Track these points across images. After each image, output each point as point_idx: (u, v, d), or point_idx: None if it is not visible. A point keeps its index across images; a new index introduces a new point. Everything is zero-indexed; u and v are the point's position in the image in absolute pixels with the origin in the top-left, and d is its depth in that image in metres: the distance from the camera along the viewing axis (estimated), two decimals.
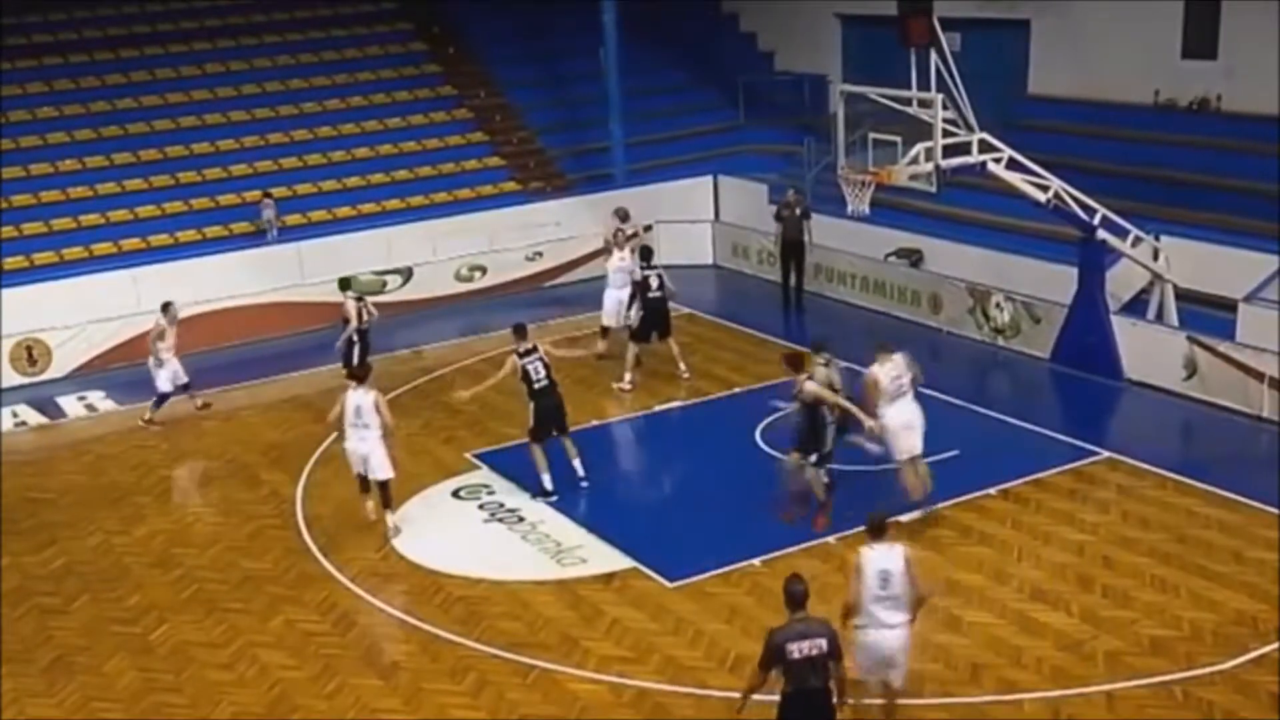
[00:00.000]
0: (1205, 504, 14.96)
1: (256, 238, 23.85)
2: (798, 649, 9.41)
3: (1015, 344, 20.36)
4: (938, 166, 17.26)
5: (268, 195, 24.20)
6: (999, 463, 16.21)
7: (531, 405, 15.58)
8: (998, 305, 20.56)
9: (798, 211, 22.87)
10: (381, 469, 14.92)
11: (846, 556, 14.03)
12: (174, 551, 15.06)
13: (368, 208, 25.27)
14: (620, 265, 20.28)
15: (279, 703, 12.00)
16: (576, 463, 15.85)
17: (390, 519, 15.07)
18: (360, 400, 14.74)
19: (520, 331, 15.77)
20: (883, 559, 10.37)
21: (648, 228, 25.92)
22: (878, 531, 10.55)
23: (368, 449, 14.82)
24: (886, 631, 10.39)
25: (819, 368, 14.58)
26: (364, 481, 15.13)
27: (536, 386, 15.47)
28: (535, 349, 15.59)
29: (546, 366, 15.56)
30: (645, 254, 19.74)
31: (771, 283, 23.68)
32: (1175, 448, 17.42)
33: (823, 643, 9.45)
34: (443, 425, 18.44)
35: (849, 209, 19.02)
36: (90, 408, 20.12)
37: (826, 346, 14.92)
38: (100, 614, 13.69)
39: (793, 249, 22.96)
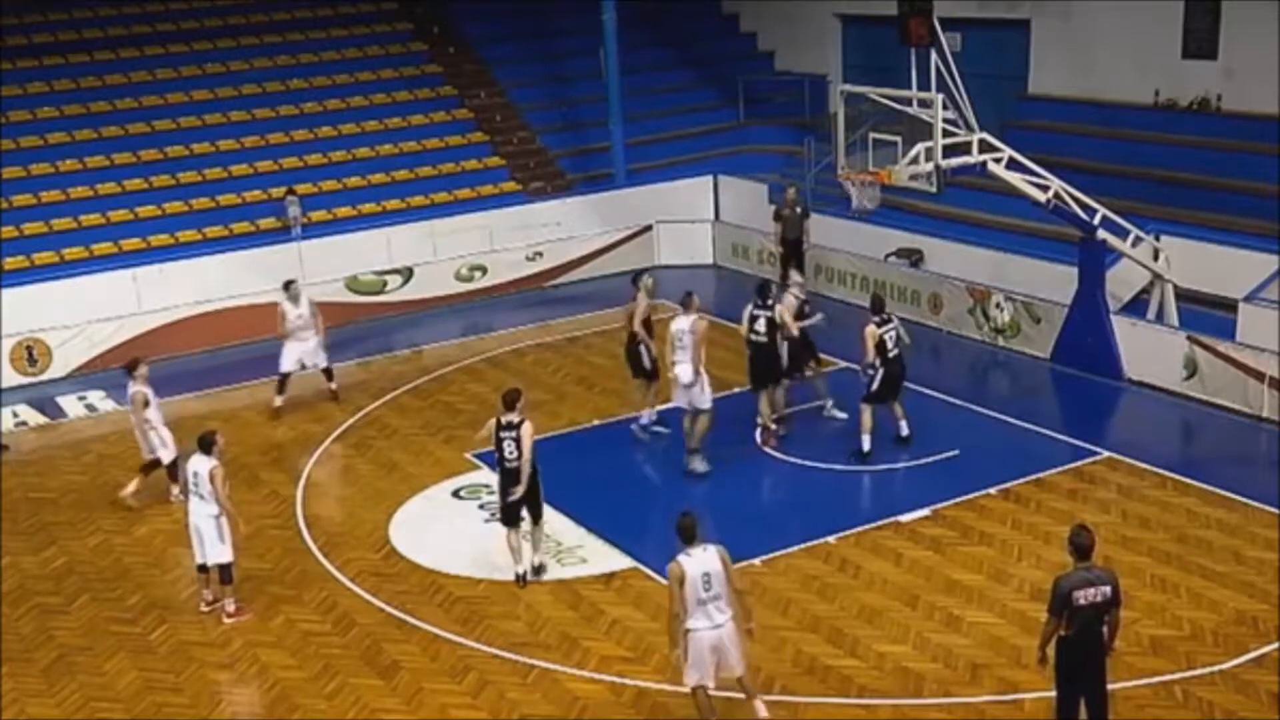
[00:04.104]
0: (1205, 504, 14.97)
1: (257, 238, 23.86)
2: (1084, 595, 9.86)
3: (1015, 344, 20.37)
4: (938, 166, 17.26)
5: (292, 191, 24.25)
6: (999, 463, 16.22)
7: (498, 479, 13.91)
8: (998, 305, 20.56)
9: (798, 210, 22.87)
10: (214, 550, 13.31)
11: (847, 556, 14.10)
12: (174, 551, 15.05)
13: (368, 207, 25.27)
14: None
15: (279, 703, 12.00)
16: (535, 559, 13.99)
17: (229, 606, 13.41)
18: (198, 467, 13.31)
19: (510, 402, 13.55)
20: (702, 563, 10.57)
21: (647, 228, 26.01)
22: (691, 537, 10.69)
23: (200, 523, 13.33)
24: (717, 630, 10.64)
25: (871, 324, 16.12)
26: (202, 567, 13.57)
27: (507, 465, 13.52)
28: (518, 425, 13.36)
29: (519, 445, 13.37)
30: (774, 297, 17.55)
31: (771, 283, 23.63)
32: (1175, 447, 17.44)
33: (1107, 590, 9.94)
34: (443, 425, 18.44)
35: (854, 205, 19.06)
36: (90, 408, 20.12)
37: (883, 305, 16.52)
38: (100, 614, 13.70)
39: (792, 248, 22.97)
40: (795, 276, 18.37)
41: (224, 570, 13.37)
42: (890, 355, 16.18)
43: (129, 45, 26.90)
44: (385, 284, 23.87)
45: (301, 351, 18.97)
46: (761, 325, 16.80)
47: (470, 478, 16.57)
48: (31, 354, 21.21)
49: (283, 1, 28.67)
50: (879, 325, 16.15)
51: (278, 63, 27.63)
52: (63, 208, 23.62)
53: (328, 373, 19.42)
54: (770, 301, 16.87)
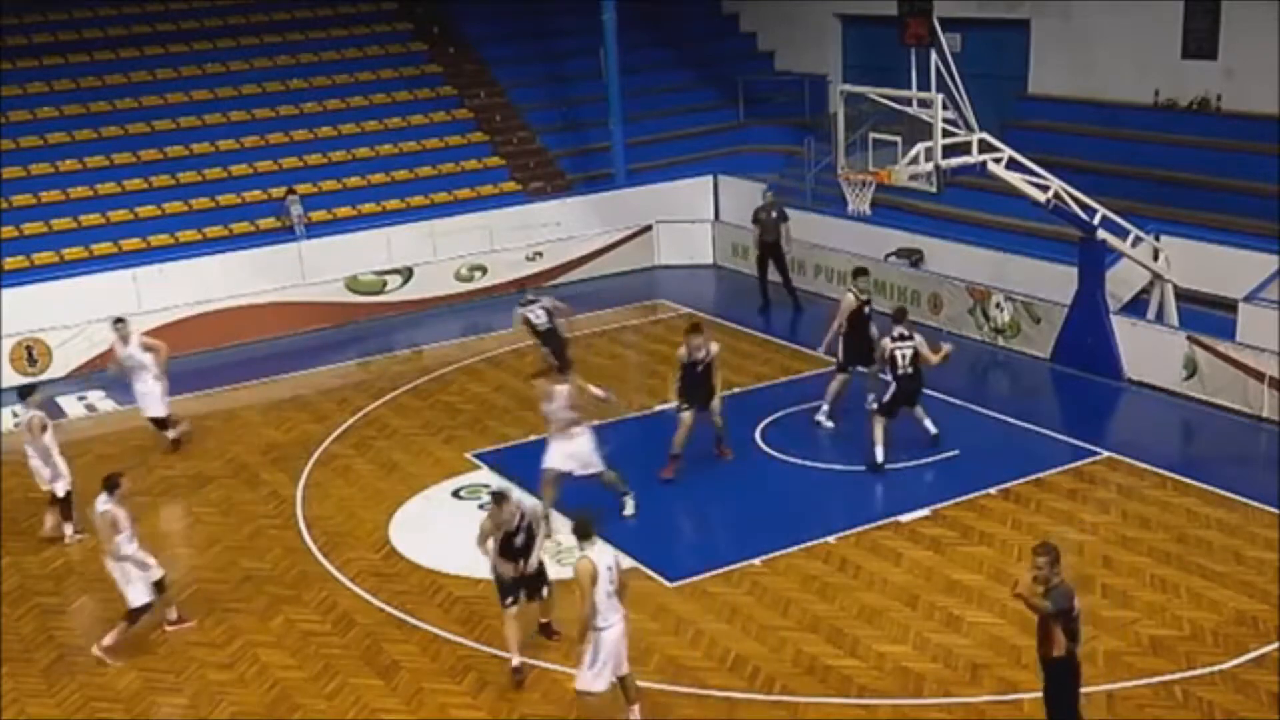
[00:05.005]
0: (1205, 504, 14.97)
1: (256, 238, 23.86)
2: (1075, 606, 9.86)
3: (1015, 344, 20.37)
4: (938, 166, 17.26)
5: (293, 191, 24.24)
6: (999, 463, 16.23)
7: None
8: (998, 305, 20.56)
9: (774, 214, 22.92)
10: (129, 593, 12.81)
11: (847, 556, 14.10)
12: (174, 551, 15.06)
13: (368, 207, 25.27)
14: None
15: (279, 703, 12.00)
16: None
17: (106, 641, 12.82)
18: (98, 506, 12.84)
19: (499, 500, 12.15)
20: (604, 557, 10.65)
21: (647, 228, 26.00)
22: (588, 534, 10.70)
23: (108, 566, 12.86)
24: (618, 625, 10.71)
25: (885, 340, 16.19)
26: None
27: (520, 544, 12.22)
28: (519, 520, 12.15)
29: (524, 533, 12.17)
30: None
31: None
32: (1175, 447, 17.44)
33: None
34: (443, 425, 18.44)
35: (849, 209, 19.02)
36: (90, 408, 20.12)
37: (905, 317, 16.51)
38: (100, 614, 13.69)
39: (770, 251, 22.99)
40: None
41: (131, 613, 12.77)
42: (901, 372, 16.01)
43: (129, 45, 26.90)
44: (385, 284, 23.87)
45: (140, 392, 17.69)
46: (908, 356, 16.09)
47: (470, 478, 16.58)
48: (31, 354, 21.21)
49: (283, 1, 28.67)
50: (894, 339, 16.01)
51: (278, 63, 27.62)
52: (63, 208, 23.62)
53: (159, 423, 17.86)
54: (909, 332, 16.26)
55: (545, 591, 12.49)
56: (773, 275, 23.17)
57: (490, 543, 12.04)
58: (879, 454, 16.04)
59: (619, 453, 15.77)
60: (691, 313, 22.55)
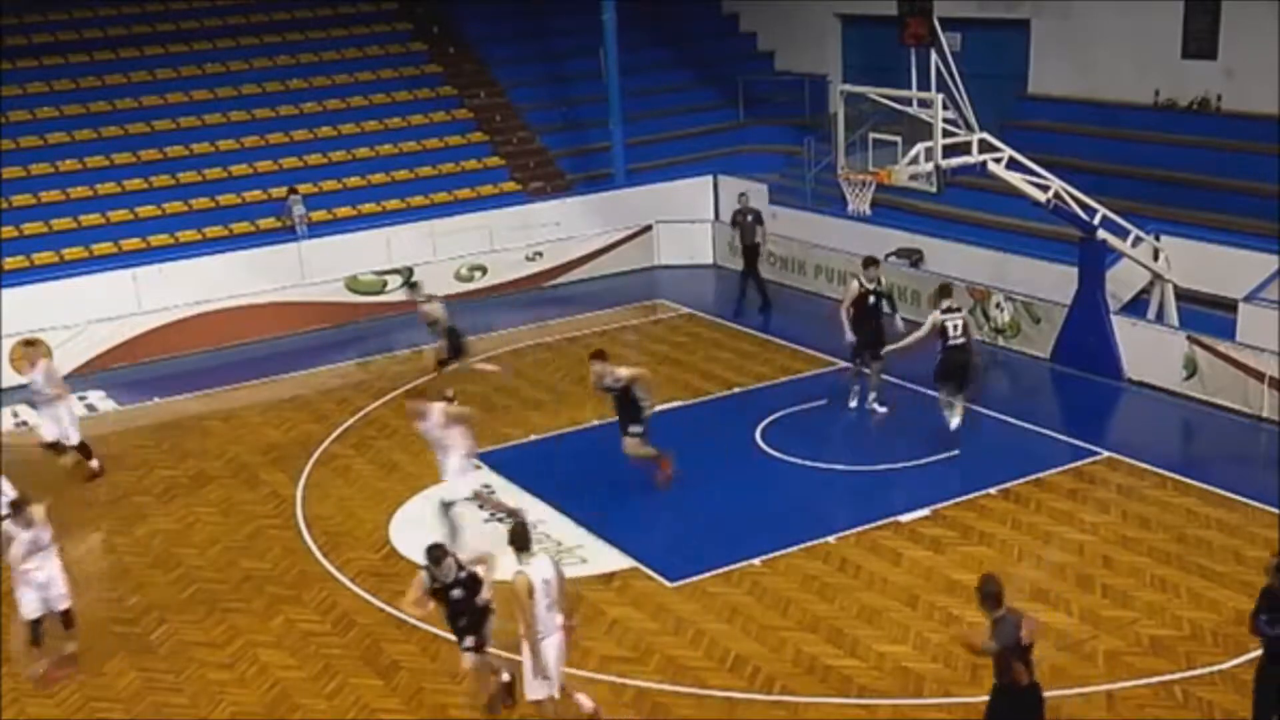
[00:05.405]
0: (1205, 504, 14.97)
1: (256, 238, 23.87)
2: (1027, 631, 9.60)
3: (1015, 344, 20.37)
4: (938, 166, 17.27)
5: (294, 191, 24.25)
6: (999, 463, 16.24)
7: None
8: (998, 305, 20.56)
9: (749, 218, 22.96)
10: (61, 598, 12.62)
11: (847, 556, 14.10)
12: (174, 551, 15.07)
13: (368, 208, 25.28)
14: None
15: (279, 703, 12.00)
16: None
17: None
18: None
19: (437, 558, 11.30)
20: (542, 569, 10.59)
21: (647, 228, 26.00)
22: (525, 544, 10.66)
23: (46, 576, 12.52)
24: (557, 635, 10.66)
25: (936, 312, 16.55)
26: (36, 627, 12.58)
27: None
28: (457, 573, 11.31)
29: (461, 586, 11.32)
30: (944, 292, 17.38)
31: (772, 283, 23.70)
32: (1175, 447, 17.45)
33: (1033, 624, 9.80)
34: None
35: (849, 209, 19.03)
36: (90, 408, 20.11)
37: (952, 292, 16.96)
38: (100, 614, 13.69)
39: (749, 254, 23.03)
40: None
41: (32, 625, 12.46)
42: (951, 342, 16.46)
43: (129, 45, 26.90)
44: (385, 284, 23.87)
45: (53, 419, 17.10)
46: (959, 326, 16.60)
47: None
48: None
49: (283, 1, 28.68)
50: (943, 311, 16.57)
51: (278, 63, 27.63)
52: (63, 208, 23.62)
53: (83, 450, 17.24)
54: (958, 305, 17.00)
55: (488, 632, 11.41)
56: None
57: (430, 605, 11.30)
58: (953, 421, 16.67)
59: (618, 452, 15.77)
60: (692, 312, 22.52)
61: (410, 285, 18.94)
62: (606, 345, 21.29)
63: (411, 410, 14.50)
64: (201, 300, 22.23)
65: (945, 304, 16.65)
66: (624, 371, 15.69)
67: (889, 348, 17.59)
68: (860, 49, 28.64)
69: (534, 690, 10.72)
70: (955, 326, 16.50)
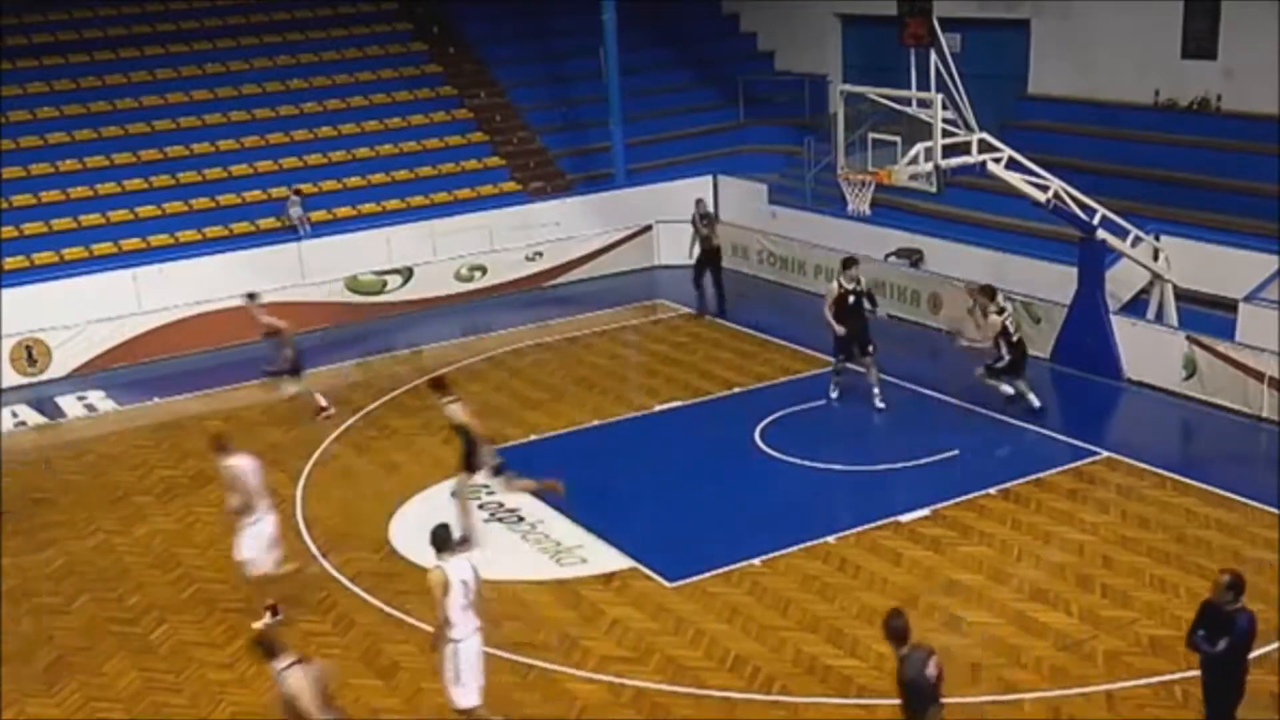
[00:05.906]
0: (1204, 504, 14.97)
1: (257, 238, 23.86)
2: (935, 668, 9.26)
3: None
4: (938, 166, 17.27)
5: (297, 191, 24.24)
6: (999, 463, 16.25)
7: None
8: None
9: (705, 220, 23.00)
10: None
11: (847, 556, 14.10)
12: (174, 551, 15.07)
13: (368, 208, 25.28)
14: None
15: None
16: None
17: None
18: None
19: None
20: (460, 570, 10.58)
21: (647, 228, 26.01)
22: (443, 546, 10.65)
23: None
24: (475, 637, 10.62)
25: (993, 314, 17.25)
26: None
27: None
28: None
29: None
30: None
31: (772, 283, 23.74)
32: (1175, 447, 17.45)
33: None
34: (442, 425, 18.24)
35: (849, 209, 19.02)
36: (90, 408, 20.12)
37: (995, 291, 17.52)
38: (100, 614, 13.70)
39: (715, 255, 22.98)
40: None
41: None
42: (1016, 339, 17.35)
43: (129, 45, 26.90)
44: (385, 284, 23.87)
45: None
46: (1015, 324, 17.73)
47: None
48: (31, 354, 21.20)
49: (283, 1, 28.68)
50: (999, 314, 17.25)
51: (278, 63, 27.63)
52: (63, 208, 23.63)
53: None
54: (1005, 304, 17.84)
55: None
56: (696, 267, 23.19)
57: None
58: (1033, 400, 17.40)
59: (618, 452, 15.79)
60: (692, 312, 22.49)
61: (249, 296, 18.89)
62: (606, 345, 21.45)
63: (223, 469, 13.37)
64: (201, 300, 22.22)
65: (996, 305, 17.33)
66: (456, 407, 14.53)
67: (963, 343, 18.09)
68: (860, 49, 28.65)
69: (458, 698, 10.66)
70: (1013, 324, 17.33)
